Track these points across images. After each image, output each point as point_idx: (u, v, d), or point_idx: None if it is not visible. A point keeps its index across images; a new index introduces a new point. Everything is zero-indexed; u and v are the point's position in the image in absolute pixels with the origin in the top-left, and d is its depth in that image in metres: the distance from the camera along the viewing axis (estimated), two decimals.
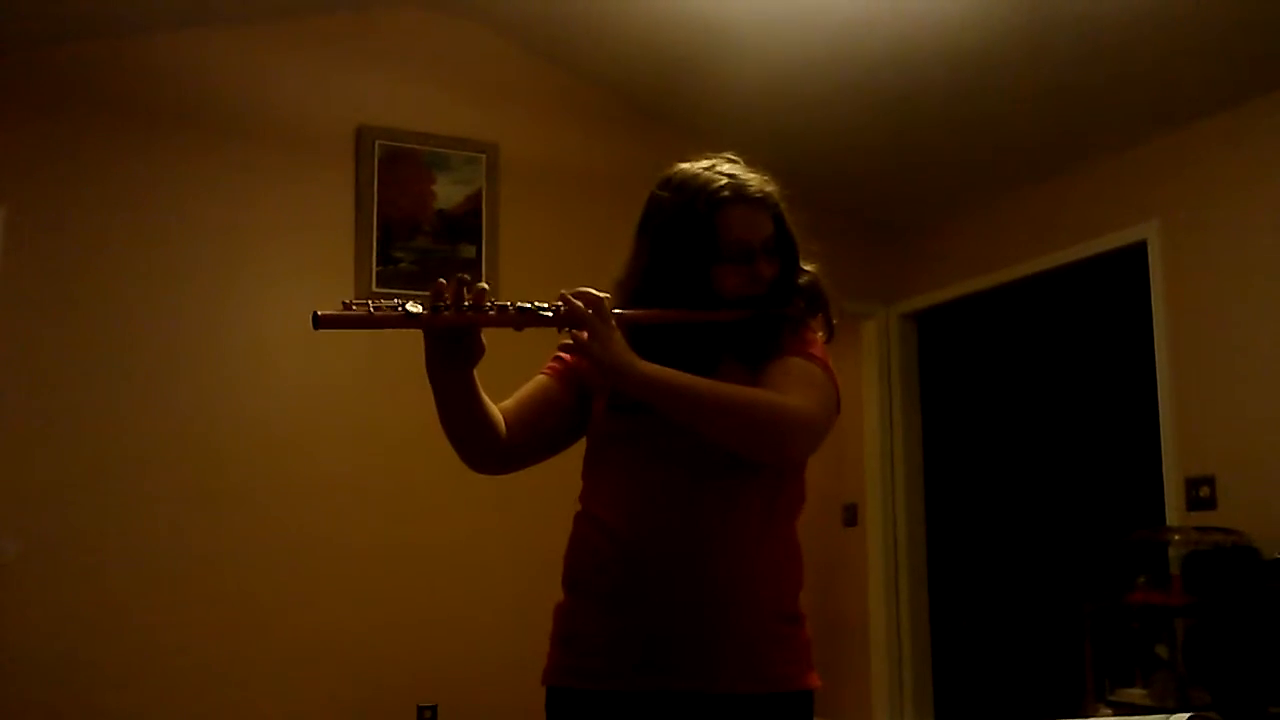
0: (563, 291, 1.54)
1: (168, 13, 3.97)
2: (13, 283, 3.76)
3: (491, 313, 1.48)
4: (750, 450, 1.60)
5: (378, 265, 4.25)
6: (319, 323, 1.39)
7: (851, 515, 5.40)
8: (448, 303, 1.46)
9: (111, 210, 3.94)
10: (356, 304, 1.42)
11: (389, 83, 4.40)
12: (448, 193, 4.41)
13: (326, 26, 4.30)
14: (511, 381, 1.78)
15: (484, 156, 4.48)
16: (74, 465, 3.78)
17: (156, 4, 3.91)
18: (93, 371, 3.84)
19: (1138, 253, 4.23)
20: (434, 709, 4.10)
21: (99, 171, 3.94)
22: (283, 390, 4.08)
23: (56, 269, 3.85)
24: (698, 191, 1.67)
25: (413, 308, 1.43)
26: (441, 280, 1.47)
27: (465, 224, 4.42)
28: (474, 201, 4.45)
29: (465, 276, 1.49)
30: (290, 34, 4.23)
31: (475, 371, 1.58)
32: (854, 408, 5.18)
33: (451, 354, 1.54)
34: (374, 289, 4.21)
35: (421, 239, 4.34)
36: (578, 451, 1.80)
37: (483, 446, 1.66)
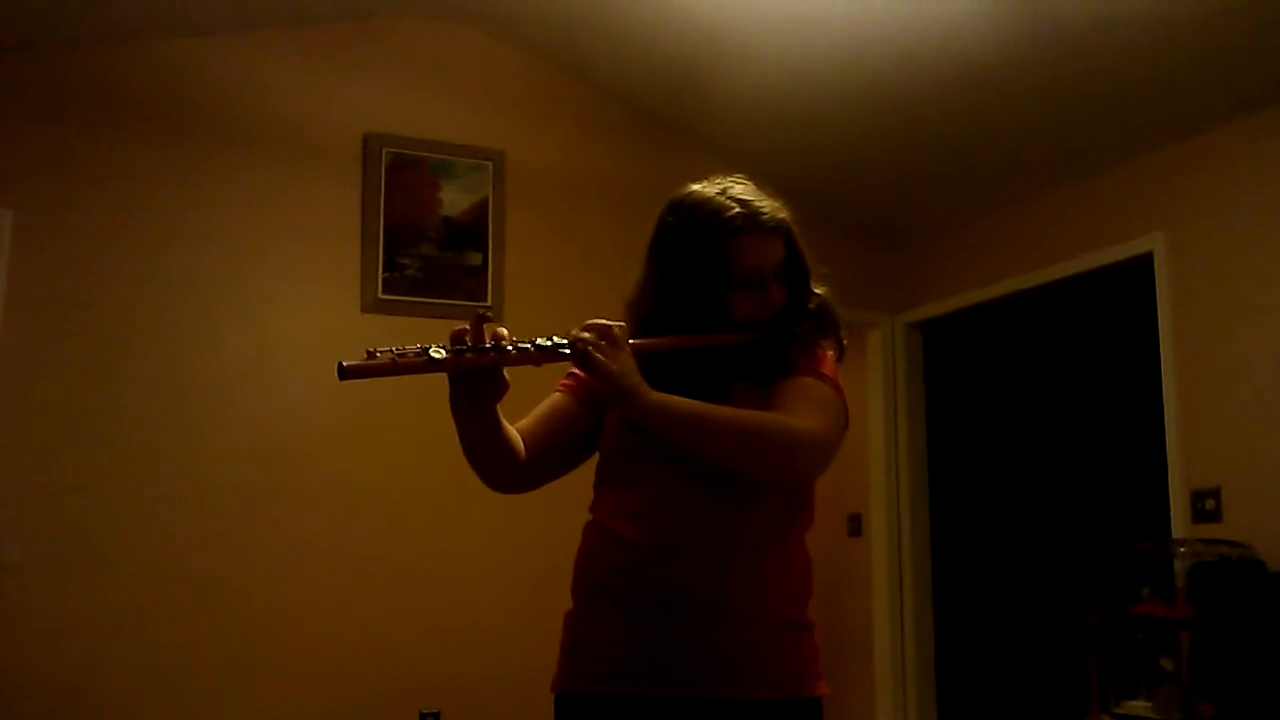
0: (584, 324, 1.56)
1: (176, 20, 3.99)
2: (20, 286, 3.77)
3: (512, 352, 1.50)
4: (760, 473, 1.61)
5: (384, 272, 4.25)
6: (344, 374, 1.43)
7: (856, 525, 5.39)
8: (469, 345, 1.49)
9: (119, 216, 3.95)
10: (380, 351, 1.45)
11: (395, 91, 4.41)
12: (454, 200, 4.42)
13: (333, 35, 4.31)
14: (528, 397, 1.79)
15: (490, 164, 4.49)
16: (78, 469, 3.78)
17: (165, 12, 3.92)
18: (98, 375, 3.85)
19: (1144, 264, 4.23)
20: (437, 715, 4.09)
21: (107, 177, 3.95)
22: (287, 396, 4.08)
23: (64, 273, 3.86)
24: (709, 219, 1.67)
25: (436, 353, 1.46)
26: (463, 326, 1.50)
27: (471, 231, 4.43)
28: (480, 209, 4.46)
29: (483, 313, 1.52)
30: (297, 42, 4.25)
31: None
32: (859, 417, 5.18)
33: (474, 393, 1.56)
34: (380, 296, 4.22)
35: (427, 246, 4.35)
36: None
37: (503, 471, 1.68)
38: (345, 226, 4.26)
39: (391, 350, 1.45)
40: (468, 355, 1.49)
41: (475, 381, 1.55)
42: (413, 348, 1.46)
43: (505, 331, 1.51)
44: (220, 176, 4.10)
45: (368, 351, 1.45)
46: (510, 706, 3.96)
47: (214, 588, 3.89)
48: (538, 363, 1.53)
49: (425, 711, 4.09)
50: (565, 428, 1.75)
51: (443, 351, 1.47)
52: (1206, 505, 3.86)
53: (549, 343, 1.53)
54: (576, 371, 1.78)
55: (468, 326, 1.50)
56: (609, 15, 4.14)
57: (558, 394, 1.80)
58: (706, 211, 1.68)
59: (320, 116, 4.28)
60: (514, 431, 1.69)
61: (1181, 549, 3.75)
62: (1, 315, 3.72)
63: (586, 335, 1.54)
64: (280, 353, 4.10)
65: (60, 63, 3.92)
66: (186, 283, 4.01)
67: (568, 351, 1.53)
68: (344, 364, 1.43)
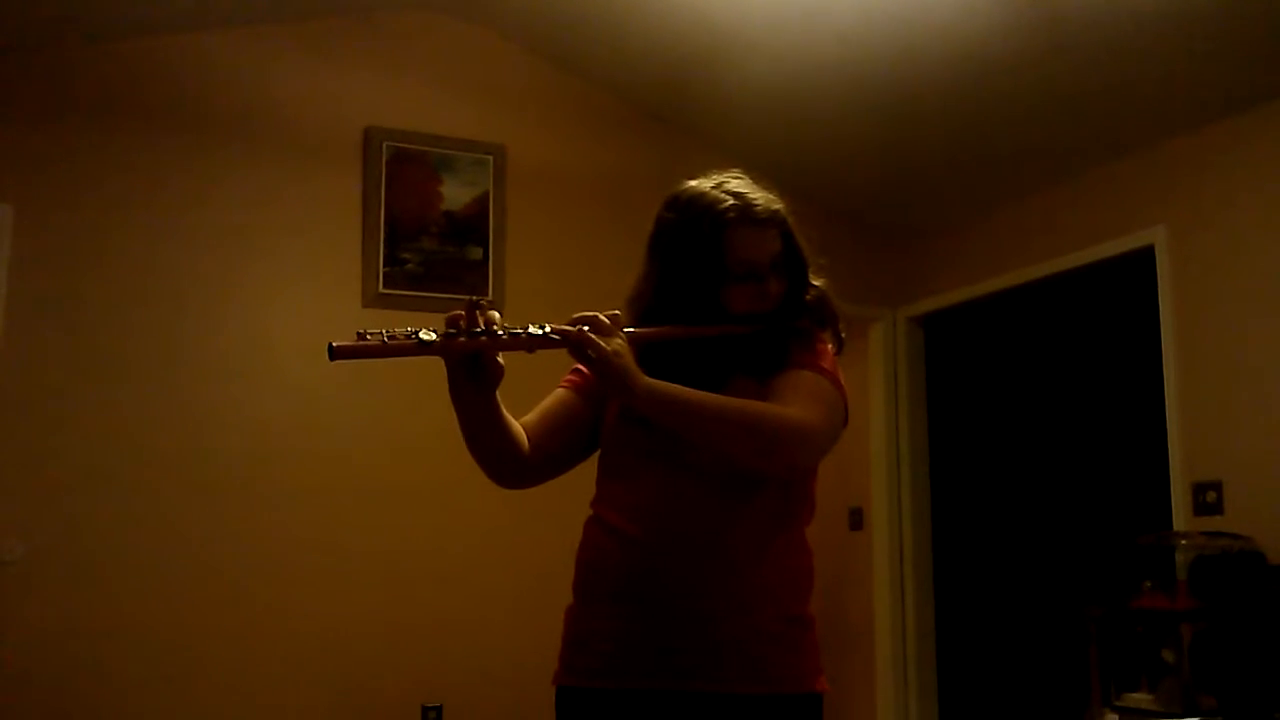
0: (573, 316, 1.57)
1: (176, 15, 3.98)
2: (20, 282, 3.77)
3: (503, 337, 1.51)
4: (753, 461, 1.62)
5: (384, 266, 4.25)
6: (334, 354, 1.45)
7: (857, 519, 5.39)
8: (461, 329, 1.49)
9: (118, 211, 3.95)
10: (371, 334, 1.46)
11: (397, 85, 4.41)
12: (455, 194, 4.42)
13: (333, 29, 4.30)
14: (531, 394, 1.79)
15: (491, 159, 4.48)
16: (78, 465, 3.78)
17: (165, 6, 3.92)
18: (98, 371, 3.85)
19: (1145, 257, 4.23)
20: (439, 709, 4.10)
21: (106, 172, 3.94)
22: (288, 391, 4.08)
23: (63, 268, 3.86)
24: (703, 212, 1.68)
25: (425, 335, 1.48)
26: (458, 311, 1.51)
27: (472, 225, 4.43)
28: (481, 203, 4.45)
29: (478, 299, 1.53)
30: (298, 36, 4.24)
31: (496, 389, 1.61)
32: (860, 411, 5.18)
33: (471, 378, 1.56)
34: (381, 290, 4.22)
35: (428, 240, 4.35)
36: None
37: (507, 464, 1.69)
38: (346, 220, 4.26)
39: (382, 332, 1.46)
40: (459, 339, 1.50)
41: (470, 366, 1.55)
42: (403, 330, 1.47)
43: (497, 316, 1.52)
44: (220, 171, 4.10)
45: (358, 333, 1.46)
46: (512, 700, 3.97)
47: (215, 582, 3.89)
48: (529, 348, 1.53)
49: (427, 705, 4.09)
50: (568, 423, 1.76)
51: (433, 334, 1.48)
52: (1208, 498, 3.86)
53: (541, 330, 1.53)
54: (580, 368, 1.79)
55: (463, 312, 1.51)
56: (610, 10, 4.13)
57: (561, 390, 1.81)
58: (701, 205, 1.69)
59: (321, 110, 4.28)
60: (517, 425, 1.70)
61: (1183, 542, 3.75)
62: (1, 311, 3.72)
63: (580, 334, 1.54)
64: (281, 347, 4.09)
65: (60, 58, 3.91)
66: (186, 277, 4.01)
67: (557, 338, 1.53)
68: (334, 344, 1.44)
